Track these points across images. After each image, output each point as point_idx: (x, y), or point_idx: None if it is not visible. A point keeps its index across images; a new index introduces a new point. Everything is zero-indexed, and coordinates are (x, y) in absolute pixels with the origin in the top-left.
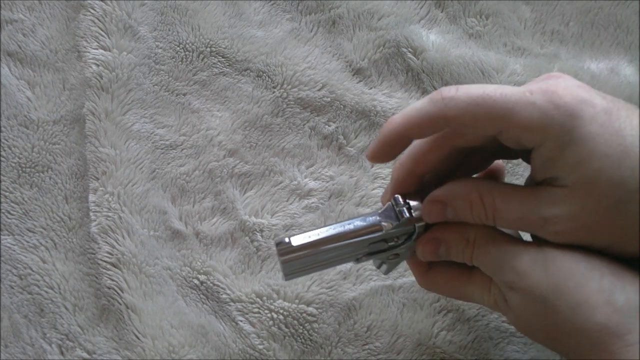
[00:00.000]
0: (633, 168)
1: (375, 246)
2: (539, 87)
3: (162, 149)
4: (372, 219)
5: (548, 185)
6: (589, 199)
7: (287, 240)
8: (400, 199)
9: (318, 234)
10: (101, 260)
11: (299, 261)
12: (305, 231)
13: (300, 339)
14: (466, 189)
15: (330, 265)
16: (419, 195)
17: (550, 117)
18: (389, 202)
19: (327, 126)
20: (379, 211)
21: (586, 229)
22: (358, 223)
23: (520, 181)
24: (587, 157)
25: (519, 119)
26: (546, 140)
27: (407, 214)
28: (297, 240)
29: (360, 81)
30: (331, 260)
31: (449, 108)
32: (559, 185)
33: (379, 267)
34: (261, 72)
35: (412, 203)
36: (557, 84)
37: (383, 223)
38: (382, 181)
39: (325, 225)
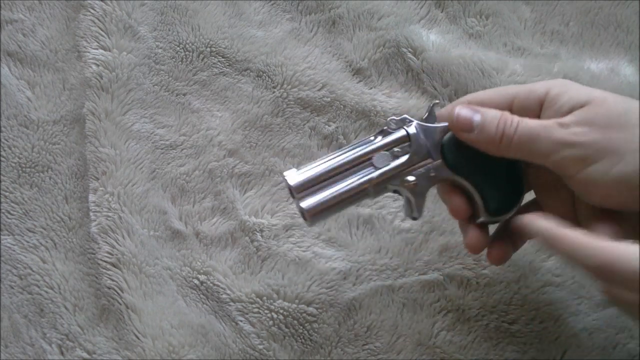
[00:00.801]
0: None
1: (379, 161)
2: (554, 127)
3: (162, 149)
4: (364, 139)
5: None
6: (602, 106)
7: (291, 168)
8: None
9: (321, 160)
10: (101, 260)
11: (308, 183)
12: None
13: (300, 339)
14: (498, 107)
15: (343, 193)
16: None
17: (548, 82)
18: (391, 119)
19: (327, 126)
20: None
21: (601, 132)
22: (353, 143)
23: None
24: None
25: (524, 87)
26: (550, 91)
27: (393, 119)
28: (302, 172)
29: (360, 81)
30: (341, 185)
31: (504, 151)
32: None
33: (405, 211)
34: (261, 72)
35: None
36: (571, 131)
37: (372, 136)
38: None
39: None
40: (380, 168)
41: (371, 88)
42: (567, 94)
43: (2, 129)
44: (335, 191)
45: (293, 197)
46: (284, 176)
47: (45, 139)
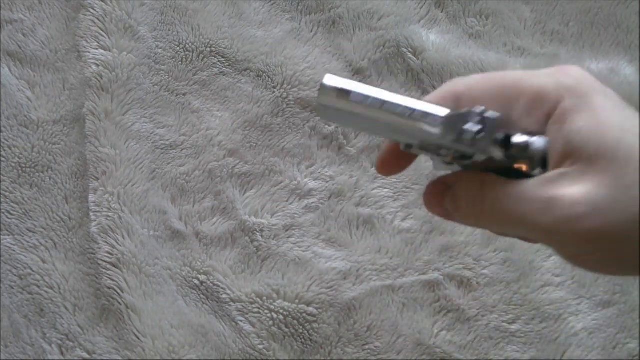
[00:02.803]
0: None
1: (425, 145)
2: (546, 195)
3: (162, 149)
4: (435, 118)
5: (559, 169)
6: (609, 172)
7: (330, 80)
8: (479, 110)
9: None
10: (101, 260)
11: (338, 110)
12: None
13: (300, 339)
14: (471, 174)
15: (369, 129)
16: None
17: (562, 82)
18: (468, 109)
19: (327, 126)
20: (452, 112)
21: (602, 212)
22: (419, 109)
23: None
24: (604, 124)
25: (531, 84)
26: (561, 103)
27: (470, 135)
28: (340, 82)
29: (360, 81)
30: (373, 126)
31: (457, 83)
32: (571, 165)
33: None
34: (261, 72)
35: (489, 122)
36: (564, 67)
37: (439, 125)
38: (382, 181)
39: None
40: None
41: None
42: (583, 120)
43: (2, 129)
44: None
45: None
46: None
47: (45, 139)
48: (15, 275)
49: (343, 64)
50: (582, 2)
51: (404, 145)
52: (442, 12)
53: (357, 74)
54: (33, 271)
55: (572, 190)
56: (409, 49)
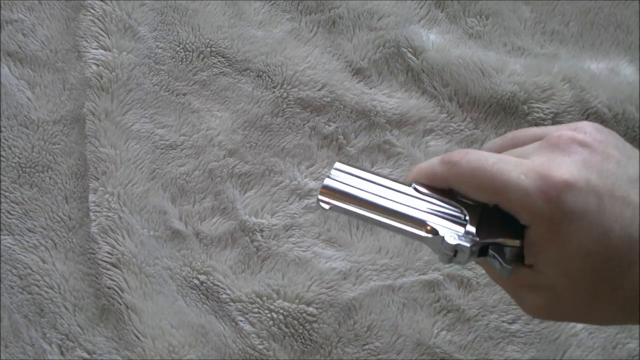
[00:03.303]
0: (612, 270)
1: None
2: (535, 167)
3: (162, 149)
4: (421, 216)
5: (530, 266)
6: (567, 291)
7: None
8: (464, 210)
9: (363, 194)
10: (101, 260)
11: (336, 207)
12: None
13: (300, 339)
14: None
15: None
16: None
17: (538, 208)
18: (454, 206)
19: (327, 126)
20: (436, 205)
21: (560, 314)
22: (405, 210)
23: None
24: (570, 255)
25: (511, 200)
26: (532, 227)
27: (452, 242)
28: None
29: (360, 81)
30: (368, 220)
31: (452, 174)
32: (538, 271)
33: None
34: (261, 72)
35: (470, 229)
36: (555, 164)
37: (430, 225)
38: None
39: (376, 175)
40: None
41: (371, 88)
42: (551, 252)
43: (2, 129)
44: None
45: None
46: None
47: (45, 139)
48: (15, 275)
49: (343, 64)
50: (582, 2)
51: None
52: (442, 12)
53: (357, 74)
54: (33, 271)
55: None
56: (409, 49)
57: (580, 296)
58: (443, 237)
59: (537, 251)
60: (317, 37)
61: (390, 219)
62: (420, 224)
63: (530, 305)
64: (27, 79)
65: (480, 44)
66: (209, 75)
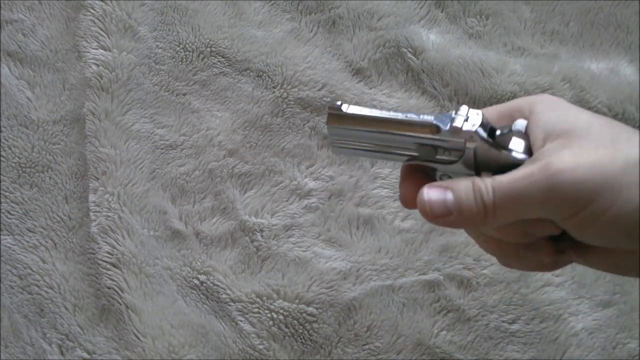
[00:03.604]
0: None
1: (423, 151)
2: (539, 164)
3: (162, 149)
4: (426, 117)
5: None
6: (583, 141)
7: (339, 103)
8: (464, 110)
9: (371, 111)
10: (101, 260)
11: (346, 132)
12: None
13: (300, 339)
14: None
15: (376, 153)
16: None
17: (530, 99)
18: (452, 111)
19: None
20: (438, 113)
21: (584, 166)
22: (411, 116)
23: None
24: (568, 111)
25: (532, 209)
26: (533, 109)
27: (459, 124)
28: (349, 108)
29: (360, 81)
30: (377, 146)
31: (490, 222)
32: (552, 142)
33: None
34: (261, 72)
35: (472, 115)
36: (556, 158)
37: (434, 122)
38: (382, 181)
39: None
40: (421, 159)
41: (371, 88)
42: (546, 114)
43: (2, 129)
44: (368, 147)
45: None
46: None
47: (45, 139)
48: (15, 275)
49: (343, 64)
50: (582, 2)
51: (406, 158)
52: (442, 12)
53: (357, 74)
54: (33, 271)
55: (559, 155)
56: (409, 49)
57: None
58: (454, 119)
59: (539, 117)
60: (317, 37)
61: (398, 129)
62: (426, 124)
63: (559, 160)
64: (27, 79)
65: (480, 44)
66: (209, 75)
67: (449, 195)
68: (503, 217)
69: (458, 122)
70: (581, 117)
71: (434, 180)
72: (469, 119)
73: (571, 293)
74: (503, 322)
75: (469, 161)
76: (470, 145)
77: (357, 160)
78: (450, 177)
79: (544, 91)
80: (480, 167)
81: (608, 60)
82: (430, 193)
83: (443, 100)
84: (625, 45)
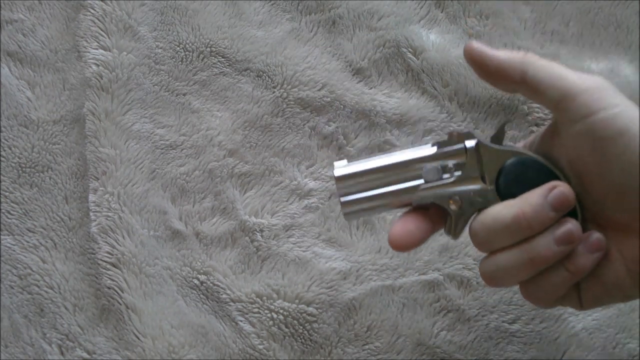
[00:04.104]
0: None
1: (429, 174)
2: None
3: (162, 149)
4: (421, 144)
5: None
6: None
7: (344, 162)
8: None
9: (371, 158)
10: (101, 260)
11: (354, 185)
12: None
13: (300, 339)
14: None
15: (387, 199)
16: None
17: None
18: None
19: (327, 126)
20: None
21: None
22: (410, 147)
23: None
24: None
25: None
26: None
27: (454, 131)
28: (351, 165)
29: (360, 81)
30: (384, 189)
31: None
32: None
33: (445, 228)
34: (261, 72)
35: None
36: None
37: (431, 142)
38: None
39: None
40: (428, 181)
41: (371, 88)
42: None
43: (2, 129)
44: (377, 192)
45: (336, 189)
46: (333, 166)
47: (45, 139)
48: (15, 275)
49: (343, 64)
50: (582, 2)
51: (416, 198)
52: (442, 12)
53: (357, 74)
54: (33, 271)
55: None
56: (409, 49)
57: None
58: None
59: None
60: (317, 37)
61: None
62: (425, 146)
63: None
64: (27, 79)
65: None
66: (209, 75)
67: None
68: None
69: (454, 131)
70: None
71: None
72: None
73: None
74: (503, 322)
75: (474, 166)
76: (469, 143)
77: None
78: (461, 204)
79: None
80: (486, 170)
81: (608, 60)
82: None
83: (443, 100)
84: (625, 45)
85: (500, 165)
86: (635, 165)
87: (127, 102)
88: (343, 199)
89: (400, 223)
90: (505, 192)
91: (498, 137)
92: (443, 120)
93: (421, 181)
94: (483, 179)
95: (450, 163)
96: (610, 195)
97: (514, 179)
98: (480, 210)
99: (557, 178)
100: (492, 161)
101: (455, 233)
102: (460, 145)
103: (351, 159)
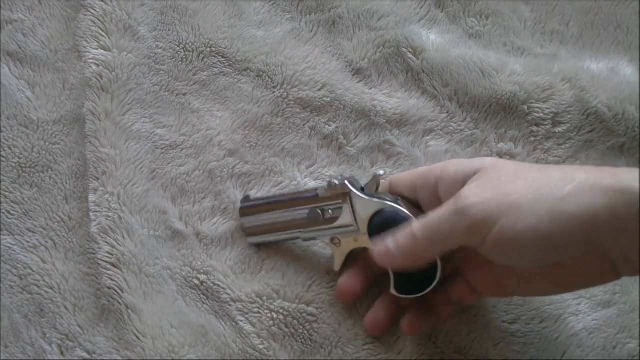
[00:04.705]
0: None
1: (312, 215)
2: (454, 199)
3: (162, 149)
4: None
5: None
6: (486, 179)
7: (247, 195)
8: (341, 178)
9: (270, 195)
10: (101, 260)
11: (253, 217)
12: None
13: (300, 339)
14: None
15: (282, 230)
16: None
17: (465, 229)
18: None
19: (327, 126)
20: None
21: (485, 200)
22: (300, 190)
23: None
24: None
25: (454, 237)
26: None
27: (333, 182)
28: (254, 197)
29: (360, 81)
30: (279, 222)
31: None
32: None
33: (331, 261)
34: (261, 72)
35: (343, 177)
36: (464, 191)
37: (315, 189)
38: (382, 181)
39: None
40: (310, 223)
41: (371, 88)
42: (458, 166)
43: (2, 129)
44: (271, 218)
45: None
46: (239, 201)
47: (45, 139)
48: (15, 275)
49: (343, 64)
50: (582, 2)
51: (305, 234)
52: (442, 12)
53: (357, 74)
54: (33, 271)
55: (468, 187)
56: (409, 49)
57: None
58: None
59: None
60: (317, 37)
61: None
62: (310, 190)
63: (464, 195)
64: (27, 79)
65: (480, 44)
66: (209, 75)
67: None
68: (433, 251)
69: (333, 181)
70: (485, 159)
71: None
72: (340, 180)
73: (571, 293)
74: (503, 322)
75: (348, 214)
76: (345, 195)
77: (357, 160)
78: (340, 243)
79: (544, 91)
80: (358, 217)
81: (608, 60)
82: (379, 247)
83: (443, 100)
84: (625, 45)
85: (371, 214)
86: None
87: (127, 102)
88: (246, 223)
89: (344, 278)
90: (376, 235)
91: (370, 188)
92: (443, 120)
93: (306, 219)
94: (357, 225)
95: (330, 210)
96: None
97: (382, 228)
98: (356, 247)
99: None
100: (363, 210)
101: (337, 266)
102: (338, 201)
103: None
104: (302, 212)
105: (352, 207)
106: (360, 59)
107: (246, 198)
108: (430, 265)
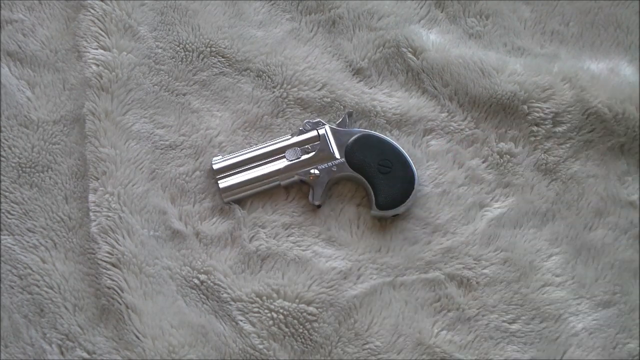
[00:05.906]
0: None
1: (291, 153)
2: None
3: (162, 149)
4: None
5: None
6: None
7: (219, 157)
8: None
9: (242, 152)
10: (101, 260)
11: (231, 176)
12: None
13: (300, 338)
14: None
15: (261, 181)
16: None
17: None
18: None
19: None
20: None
21: None
22: (272, 140)
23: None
24: None
25: None
26: None
27: (311, 120)
28: (226, 158)
29: (360, 81)
30: (259, 175)
31: None
32: None
33: (309, 198)
34: (261, 72)
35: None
36: None
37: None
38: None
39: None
40: (290, 160)
41: (371, 88)
42: None
43: (2, 129)
44: (249, 175)
45: (214, 178)
46: (212, 162)
47: (45, 139)
48: (15, 275)
49: (343, 64)
50: (582, 2)
51: (285, 179)
52: (442, 12)
53: (357, 74)
54: (33, 271)
55: None
56: (409, 49)
57: None
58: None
59: None
60: (317, 37)
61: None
62: (286, 135)
63: None
64: (27, 79)
65: (480, 44)
66: (209, 75)
67: None
68: None
69: (308, 122)
70: None
71: None
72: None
73: (571, 293)
74: (503, 322)
75: (326, 146)
76: (321, 130)
77: None
78: (319, 175)
79: (544, 91)
80: (336, 147)
81: (608, 60)
82: None
83: (443, 99)
84: (625, 45)
85: (347, 141)
86: None
87: (127, 102)
88: (222, 185)
89: None
90: (353, 160)
91: (342, 123)
92: (443, 119)
93: (285, 162)
94: (335, 154)
95: (308, 146)
96: None
97: (359, 151)
98: (336, 176)
99: (390, 144)
100: (339, 140)
101: (317, 199)
102: (313, 133)
103: (225, 154)
104: (280, 160)
105: (329, 139)
106: (360, 59)
107: (218, 159)
108: (405, 188)
